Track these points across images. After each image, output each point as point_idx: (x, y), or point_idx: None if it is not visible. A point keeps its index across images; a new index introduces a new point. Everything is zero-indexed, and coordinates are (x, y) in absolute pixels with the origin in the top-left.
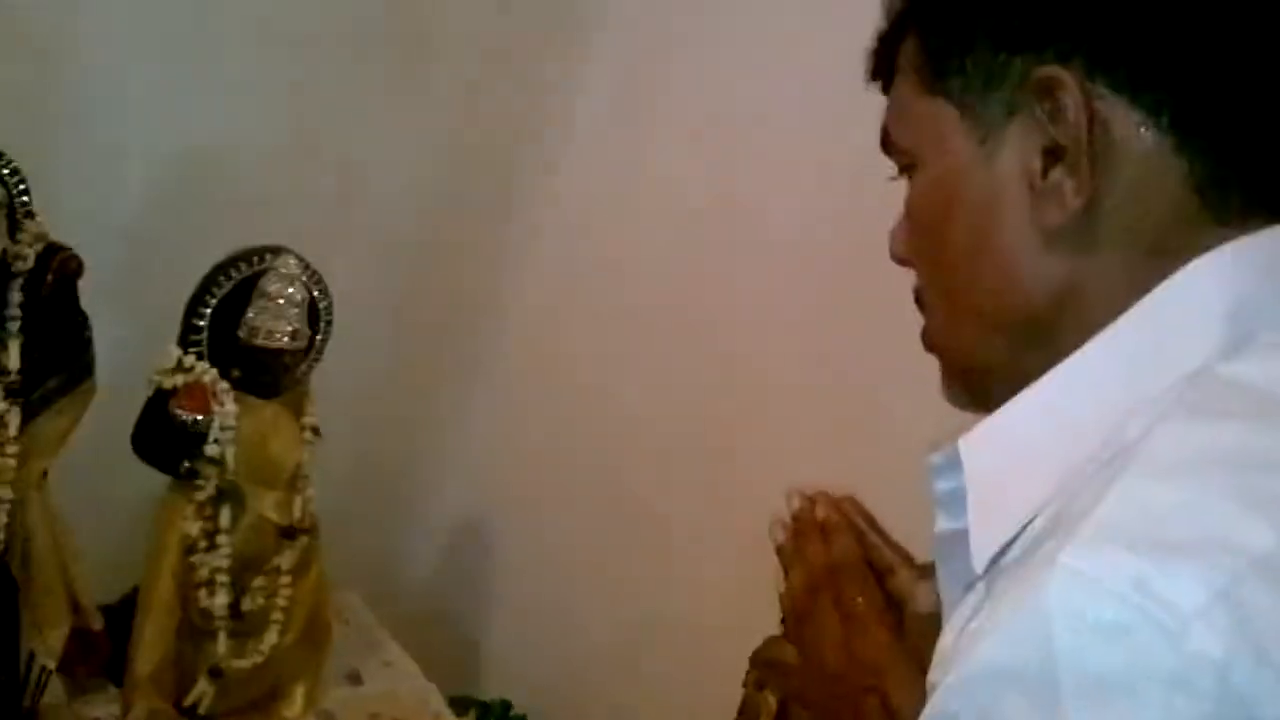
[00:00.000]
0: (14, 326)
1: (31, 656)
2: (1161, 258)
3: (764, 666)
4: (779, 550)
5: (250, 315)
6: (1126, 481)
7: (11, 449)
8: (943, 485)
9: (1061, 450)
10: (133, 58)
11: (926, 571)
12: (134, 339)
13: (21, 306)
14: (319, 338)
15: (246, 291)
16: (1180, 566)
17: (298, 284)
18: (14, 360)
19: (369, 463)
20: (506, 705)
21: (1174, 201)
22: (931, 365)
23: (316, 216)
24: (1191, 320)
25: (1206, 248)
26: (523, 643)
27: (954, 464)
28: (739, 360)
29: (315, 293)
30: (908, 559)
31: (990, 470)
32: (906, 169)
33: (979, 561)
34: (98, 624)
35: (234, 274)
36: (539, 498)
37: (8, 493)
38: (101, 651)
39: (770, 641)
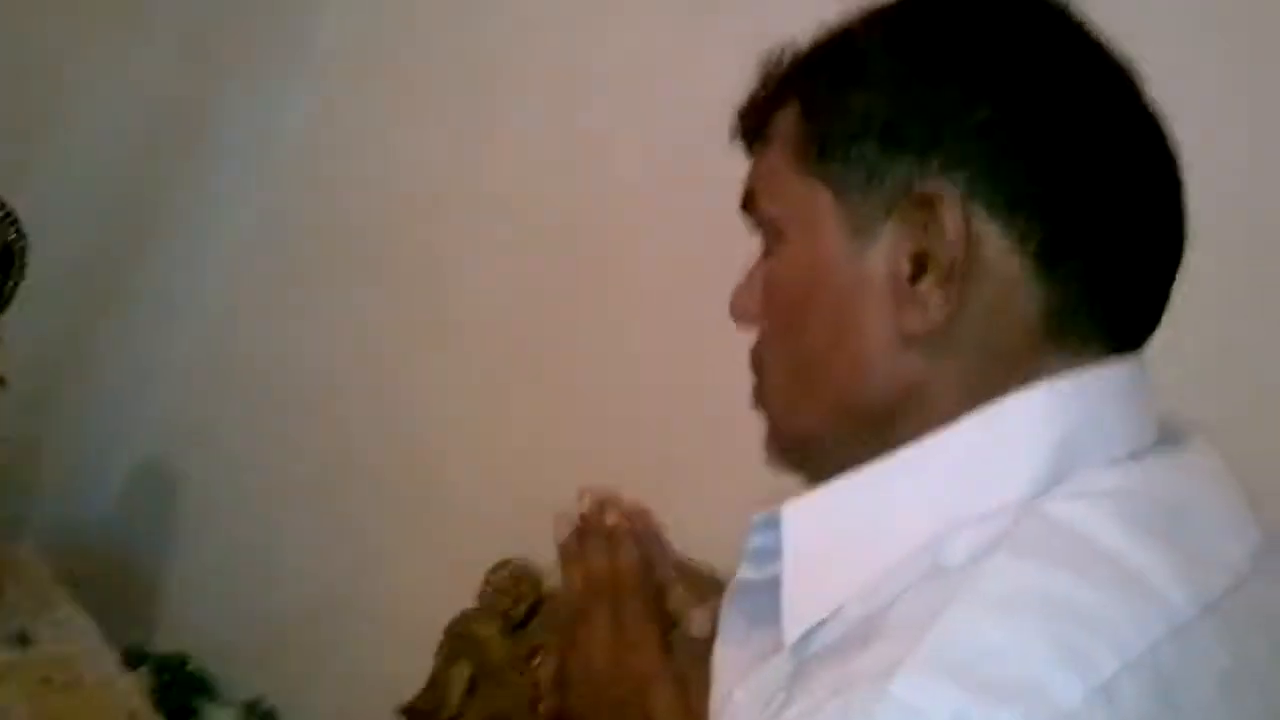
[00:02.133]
0: None
1: None
2: (1004, 374)
3: (459, 640)
4: (561, 546)
5: None
6: (955, 612)
7: None
8: (756, 540)
9: (880, 545)
10: None
11: (701, 592)
12: None
13: None
14: (10, 283)
15: None
16: (997, 711)
17: None
18: None
19: (47, 406)
20: (184, 660)
21: (1025, 324)
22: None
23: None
24: (1020, 445)
25: (1045, 371)
26: (206, 596)
27: (772, 525)
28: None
29: (11, 235)
30: (687, 577)
31: (809, 545)
32: (765, 234)
33: (790, 634)
34: None
35: None
36: (229, 451)
37: None
38: None
39: (464, 616)
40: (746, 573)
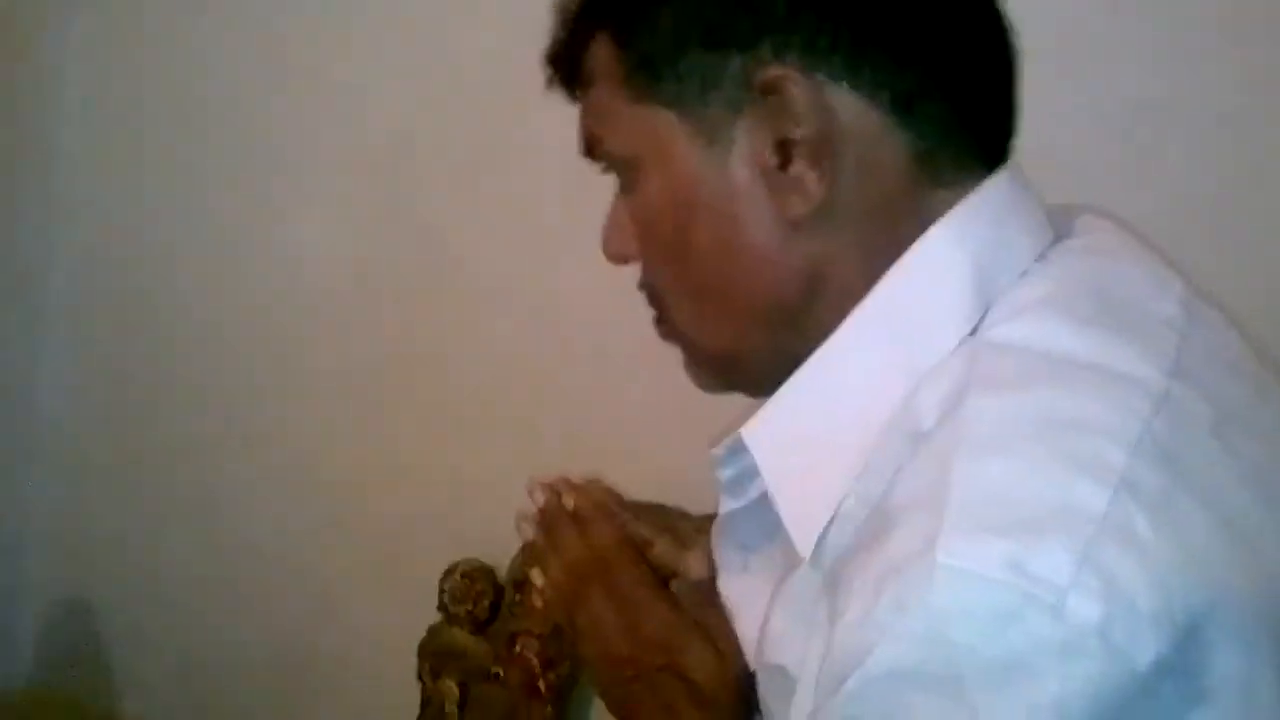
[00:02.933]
0: None
1: None
2: (895, 228)
3: (437, 655)
4: (531, 546)
5: None
6: (959, 468)
7: None
8: (727, 472)
9: (849, 430)
10: None
11: (685, 540)
12: None
13: None
14: None
15: None
16: (1043, 542)
17: None
18: None
19: None
20: None
21: (899, 174)
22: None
23: None
24: (940, 288)
25: (933, 210)
26: (163, 704)
27: (736, 452)
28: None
29: None
30: (664, 528)
31: (782, 457)
32: (619, 174)
33: (804, 547)
34: None
35: None
36: (123, 552)
37: None
38: None
39: (434, 630)
40: (729, 504)
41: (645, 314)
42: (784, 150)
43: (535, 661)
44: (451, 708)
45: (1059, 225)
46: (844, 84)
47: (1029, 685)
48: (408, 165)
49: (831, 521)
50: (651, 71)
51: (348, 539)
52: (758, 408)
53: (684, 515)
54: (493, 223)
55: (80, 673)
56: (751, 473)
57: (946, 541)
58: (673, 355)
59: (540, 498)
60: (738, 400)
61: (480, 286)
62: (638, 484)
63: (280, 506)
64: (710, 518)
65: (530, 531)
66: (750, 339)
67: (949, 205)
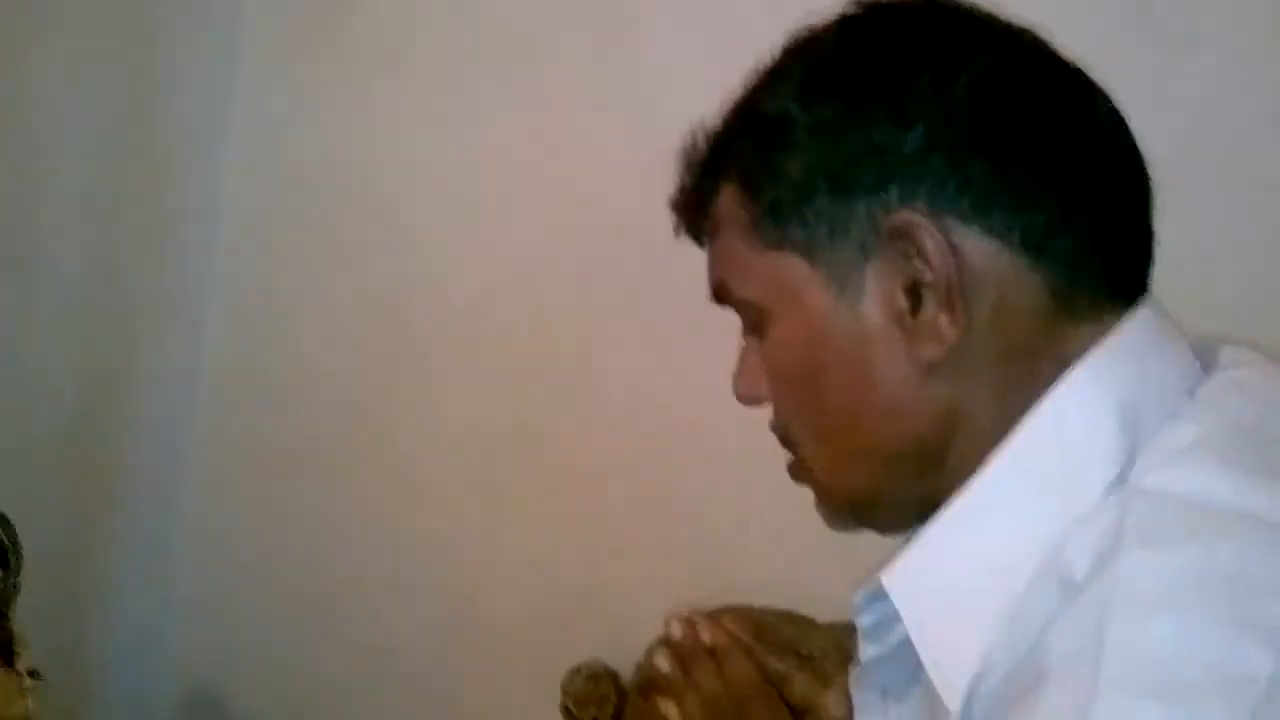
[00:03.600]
0: None
1: None
2: (1033, 368)
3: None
4: (666, 678)
5: None
6: (1117, 627)
7: None
8: (867, 619)
9: (995, 579)
10: None
11: (823, 677)
12: None
13: None
14: (12, 576)
15: None
16: (1206, 707)
17: None
18: None
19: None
20: None
21: (1034, 313)
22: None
23: None
24: (1087, 431)
25: (1072, 348)
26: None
27: (876, 598)
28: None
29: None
30: (799, 662)
31: (924, 605)
32: (750, 319)
33: (952, 700)
34: None
35: None
36: (265, 652)
37: None
38: None
39: (574, 673)
40: (869, 652)
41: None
42: (915, 294)
43: None
44: None
45: (1202, 357)
46: (973, 226)
47: None
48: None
49: (980, 674)
50: (779, 219)
51: (472, 638)
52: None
53: (814, 625)
54: (624, 339)
55: None
56: (892, 619)
57: (1105, 706)
58: None
59: (677, 630)
60: None
61: (612, 398)
62: (767, 589)
63: (404, 604)
64: (845, 626)
65: (665, 664)
66: (883, 482)
67: (1089, 342)
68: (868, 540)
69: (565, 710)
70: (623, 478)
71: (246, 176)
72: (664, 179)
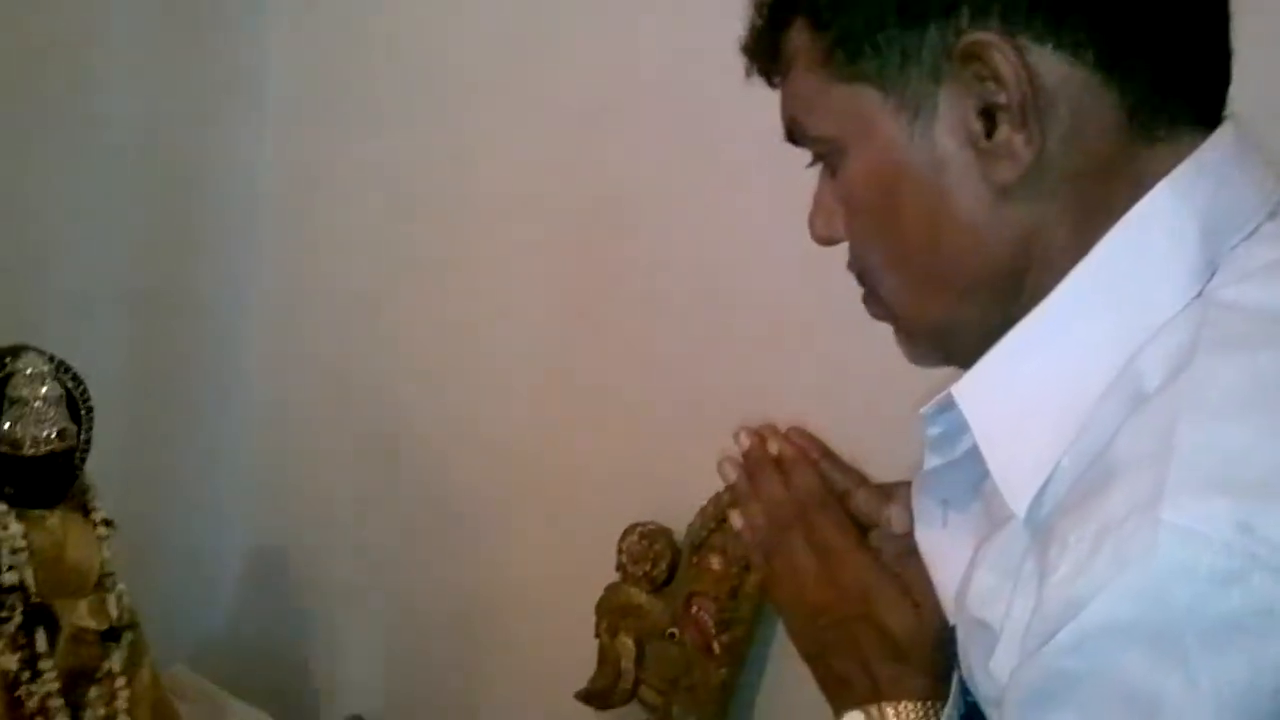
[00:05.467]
0: None
1: None
2: (1109, 189)
3: (614, 613)
4: (733, 489)
5: (6, 426)
6: (1188, 426)
7: None
8: (934, 430)
9: (1068, 391)
10: None
11: (886, 492)
12: None
13: None
14: (84, 429)
15: None
16: (1274, 505)
17: (49, 381)
18: None
19: (142, 529)
20: None
21: (1110, 133)
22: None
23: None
24: (1164, 249)
25: (1150, 169)
26: (357, 660)
27: (944, 410)
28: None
29: (69, 384)
30: (862, 480)
31: (994, 415)
32: (824, 156)
33: (1018, 505)
34: None
35: None
36: (328, 510)
37: None
38: None
39: (614, 589)
40: (934, 460)
41: (826, 288)
42: (989, 117)
43: (710, 623)
44: (628, 664)
45: None
46: (1047, 45)
47: (1250, 648)
48: (600, 158)
49: (1047, 480)
50: (850, 50)
51: (531, 500)
52: (959, 375)
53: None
54: (685, 212)
55: (277, 623)
56: (959, 430)
57: (1173, 499)
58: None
59: (745, 441)
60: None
61: (661, 266)
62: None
63: (468, 463)
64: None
65: (733, 474)
66: (962, 310)
67: (1168, 163)
68: (923, 389)
69: (621, 567)
70: (685, 344)
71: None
72: None
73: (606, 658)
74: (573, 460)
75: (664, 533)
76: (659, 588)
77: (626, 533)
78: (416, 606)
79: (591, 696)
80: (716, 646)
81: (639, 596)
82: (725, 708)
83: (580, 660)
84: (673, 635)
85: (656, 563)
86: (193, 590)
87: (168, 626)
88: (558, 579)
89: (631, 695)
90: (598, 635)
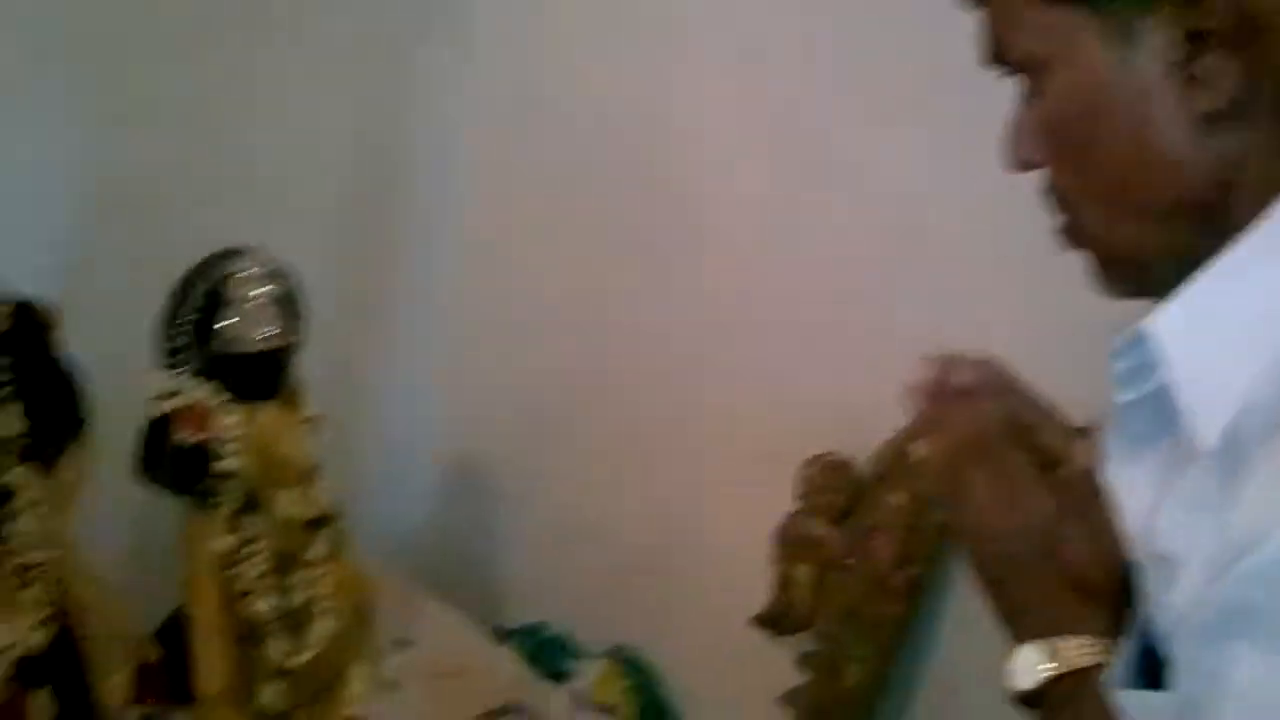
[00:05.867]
0: (8, 391)
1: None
2: None
3: (793, 542)
4: (920, 417)
5: (227, 324)
6: None
7: (39, 510)
8: (1123, 364)
9: (1268, 326)
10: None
11: (1075, 428)
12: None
13: (11, 368)
14: (296, 328)
15: (212, 300)
16: None
17: (266, 282)
18: (17, 424)
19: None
20: (543, 627)
21: None
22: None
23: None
24: None
25: None
26: (539, 564)
27: (1135, 345)
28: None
29: (284, 285)
30: (1050, 414)
31: (1187, 350)
32: (1026, 76)
33: (1206, 439)
34: (154, 655)
35: (200, 284)
36: (523, 420)
37: (41, 555)
38: (164, 680)
39: (794, 518)
40: (1123, 396)
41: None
42: (1196, 43)
43: (888, 558)
44: (804, 592)
45: None
46: None
47: None
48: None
49: (1239, 413)
50: None
51: (717, 426)
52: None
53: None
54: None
55: (471, 528)
56: (1150, 366)
57: None
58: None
59: (933, 371)
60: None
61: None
62: None
63: (658, 385)
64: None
65: (918, 404)
66: (1160, 240)
67: None
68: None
69: (802, 497)
70: (861, 276)
71: None
72: None
73: (783, 586)
74: (758, 388)
75: (845, 464)
76: (839, 519)
77: (809, 462)
78: (602, 524)
79: (767, 621)
80: (893, 581)
81: (819, 527)
82: (899, 643)
83: (759, 587)
84: (850, 567)
85: (838, 494)
86: (390, 490)
87: (363, 526)
88: (738, 503)
89: (807, 623)
90: (776, 563)
